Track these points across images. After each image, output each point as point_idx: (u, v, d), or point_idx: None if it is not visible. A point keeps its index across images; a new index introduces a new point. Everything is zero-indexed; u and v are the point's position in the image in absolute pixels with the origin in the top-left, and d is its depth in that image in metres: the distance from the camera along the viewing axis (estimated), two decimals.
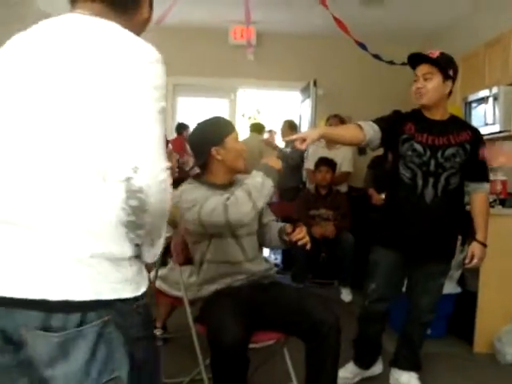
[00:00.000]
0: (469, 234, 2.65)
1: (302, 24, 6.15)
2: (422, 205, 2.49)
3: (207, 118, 2.35)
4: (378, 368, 2.92)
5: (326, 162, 4.81)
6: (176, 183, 3.28)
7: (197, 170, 2.39)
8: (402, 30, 6.06)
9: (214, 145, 2.22)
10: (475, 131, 2.58)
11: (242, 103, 7.81)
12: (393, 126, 2.55)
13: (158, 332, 3.22)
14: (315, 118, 6.02)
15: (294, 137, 2.29)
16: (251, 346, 2.05)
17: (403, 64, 5.66)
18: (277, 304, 2.20)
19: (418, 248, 2.55)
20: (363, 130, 2.47)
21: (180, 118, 6.85)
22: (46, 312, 1.00)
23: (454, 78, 2.48)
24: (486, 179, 2.57)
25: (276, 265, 5.13)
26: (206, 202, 2.09)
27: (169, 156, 3.12)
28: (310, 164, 5.25)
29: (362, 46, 5.17)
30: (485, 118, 4.16)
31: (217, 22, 6.17)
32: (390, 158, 2.71)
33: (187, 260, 2.43)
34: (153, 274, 2.93)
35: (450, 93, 2.52)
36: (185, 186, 2.26)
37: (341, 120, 5.49)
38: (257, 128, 7.15)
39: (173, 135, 6.52)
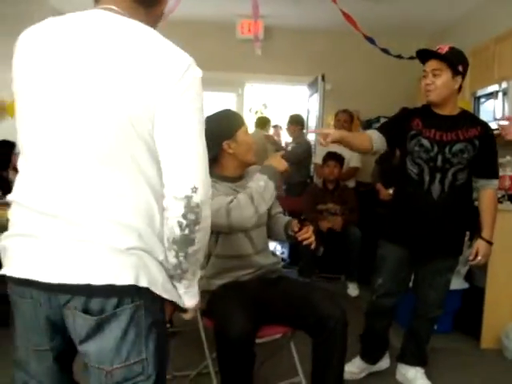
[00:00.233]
0: (476, 231, 2.64)
1: (310, 18, 6.13)
2: (428, 200, 2.48)
3: (217, 111, 2.34)
4: (385, 363, 2.92)
5: (333, 157, 4.80)
6: None
7: None
8: (410, 24, 6.02)
9: (225, 139, 2.22)
10: (485, 126, 2.55)
11: (250, 98, 7.79)
12: (399, 124, 2.56)
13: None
14: (323, 113, 6.01)
15: (319, 130, 2.33)
16: (258, 341, 2.05)
17: (411, 58, 5.65)
18: (284, 298, 2.20)
19: (424, 244, 2.54)
20: (372, 141, 2.52)
21: None
22: (87, 296, 1.11)
23: (463, 74, 2.46)
24: (495, 176, 2.55)
25: (283, 259, 5.14)
26: (211, 202, 2.07)
27: None
28: (318, 158, 5.24)
29: (371, 41, 5.14)
30: (494, 113, 4.14)
31: (224, 17, 6.15)
32: (397, 153, 2.71)
33: None
34: None
35: (460, 88, 2.49)
36: None
37: (349, 115, 5.47)
38: (261, 122, 7.14)
39: None
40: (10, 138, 4.04)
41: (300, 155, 5.58)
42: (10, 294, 1.25)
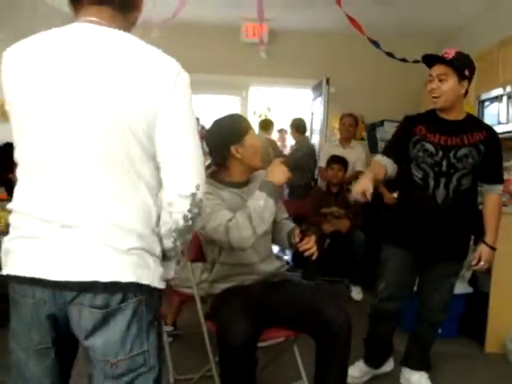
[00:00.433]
0: (480, 235, 2.63)
1: (314, 22, 6.13)
2: (433, 205, 2.46)
3: (224, 115, 2.33)
4: (388, 365, 2.91)
5: (337, 160, 4.80)
6: None
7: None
8: (415, 28, 6.01)
9: (233, 143, 2.20)
10: (490, 131, 2.52)
11: (254, 101, 7.79)
12: (403, 138, 2.55)
13: (168, 329, 3.24)
14: (327, 116, 6.00)
15: (354, 194, 2.36)
16: (261, 344, 2.05)
17: (416, 62, 5.64)
18: (287, 301, 2.19)
19: (429, 248, 2.53)
20: (386, 168, 2.54)
21: None
22: (94, 292, 1.19)
23: (470, 78, 2.43)
24: (499, 181, 2.54)
25: (287, 262, 5.14)
26: (212, 217, 2.07)
27: None
28: (322, 162, 5.24)
29: (376, 44, 5.14)
30: (498, 117, 4.13)
31: (229, 20, 6.16)
32: None
33: (199, 257, 2.44)
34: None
35: (466, 92, 2.46)
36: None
37: (354, 119, 5.47)
38: (265, 125, 7.12)
39: None
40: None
41: (299, 159, 5.58)
42: (12, 294, 1.28)
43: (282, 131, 8.24)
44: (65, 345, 1.31)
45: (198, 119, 6.36)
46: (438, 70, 2.42)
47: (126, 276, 1.20)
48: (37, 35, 1.24)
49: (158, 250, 1.30)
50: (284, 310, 2.18)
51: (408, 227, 2.56)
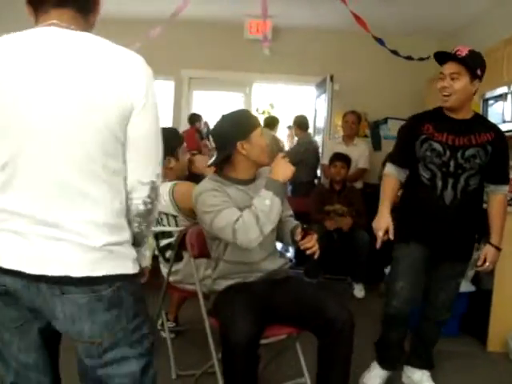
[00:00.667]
0: (484, 233, 2.62)
1: (318, 18, 6.11)
2: (441, 206, 2.43)
3: (232, 111, 2.32)
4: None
5: (340, 158, 4.79)
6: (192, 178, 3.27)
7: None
8: (420, 25, 5.99)
9: (240, 139, 2.18)
10: (497, 131, 2.49)
11: (257, 97, 7.78)
12: (410, 135, 2.51)
13: (170, 325, 3.24)
14: (331, 114, 6.00)
15: (377, 233, 2.43)
16: (263, 341, 2.05)
17: (421, 59, 5.65)
18: (291, 299, 2.19)
19: (437, 248, 2.50)
20: (398, 179, 2.55)
21: (195, 112, 6.85)
22: (67, 284, 1.27)
23: (481, 77, 2.39)
24: (505, 181, 2.52)
25: (290, 260, 5.14)
26: (219, 215, 2.06)
27: (183, 154, 3.08)
28: (325, 159, 5.24)
29: (380, 42, 5.12)
30: (503, 115, 4.12)
31: (232, 16, 6.15)
32: None
33: (203, 253, 2.43)
34: (165, 270, 2.94)
35: (475, 91, 2.43)
36: (205, 185, 2.21)
37: (357, 116, 5.46)
38: (270, 122, 7.10)
39: (186, 126, 6.51)
40: None
41: (301, 155, 5.56)
42: None
43: (291, 128, 8.23)
44: (48, 327, 1.39)
45: (200, 116, 6.36)
46: (450, 68, 2.36)
47: (98, 271, 1.28)
48: (4, 37, 1.27)
49: (129, 236, 1.39)
50: (287, 307, 2.17)
51: (418, 224, 2.52)
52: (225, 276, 2.25)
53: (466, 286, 3.42)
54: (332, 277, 4.85)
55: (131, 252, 1.39)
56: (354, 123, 5.39)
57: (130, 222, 1.40)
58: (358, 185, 5.22)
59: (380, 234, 2.43)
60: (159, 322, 3.11)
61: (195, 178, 3.13)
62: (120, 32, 6.08)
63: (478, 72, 2.36)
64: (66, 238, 1.25)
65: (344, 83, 6.29)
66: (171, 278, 2.86)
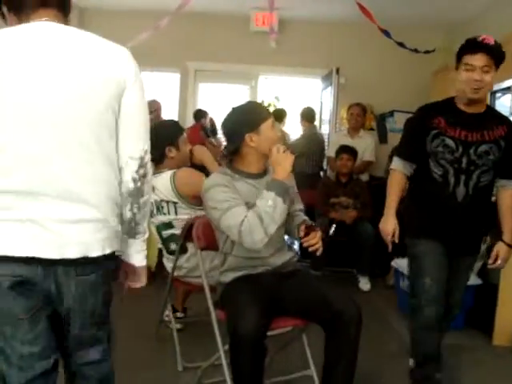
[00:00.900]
0: (491, 226, 2.59)
1: (324, 11, 6.08)
2: (453, 203, 2.37)
3: (243, 102, 2.31)
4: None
5: (347, 150, 4.79)
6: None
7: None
8: (427, 17, 5.94)
9: (248, 131, 2.16)
10: (510, 124, 2.41)
11: (263, 90, 7.75)
12: (420, 129, 2.42)
13: (179, 315, 3.26)
14: (337, 106, 5.98)
15: (384, 236, 2.44)
16: (270, 333, 2.05)
17: (427, 52, 5.62)
18: (298, 291, 2.20)
19: (449, 245, 2.44)
20: (404, 174, 2.50)
21: (201, 104, 6.83)
22: (82, 264, 1.39)
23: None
24: None
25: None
26: (227, 213, 2.06)
27: (184, 144, 3.09)
28: (331, 151, 5.23)
29: (386, 34, 5.10)
30: (510, 108, 4.10)
31: (239, 9, 6.13)
32: None
33: (210, 246, 2.43)
34: (170, 264, 2.95)
35: None
36: (215, 180, 2.19)
37: (363, 108, 5.45)
38: (277, 115, 7.06)
39: (191, 119, 6.49)
40: None
41: (304, 146, 5.56)
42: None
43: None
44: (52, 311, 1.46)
45: (206, 113, 6.34)
46: (481, 60, 2.25)
47: (108, 249, 1.44)
48: (3, 30, 1.36)
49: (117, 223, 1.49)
50: (294, 300, 2.18)
51: (432, 222, 2.44)
52: (233, 269, 2.26)
53: (472, 280, 3.40)
54: (338, 269, 4.85)
55: (119, 232, 1.51)
56: (359, 115, 5.38)
57: (124, 206, 1.50)
58: (364, 177, 5.22)
59: (389, 238, 2.42)
60: (165, 314, 3.12)
61: (196, 169, 3.15)
62: (126, 24, 6.10)
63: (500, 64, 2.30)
64: (84, 216, 1.37)
65: (350, 76, 6.27)
66: (175, 273, 2.87)
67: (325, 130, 6.40)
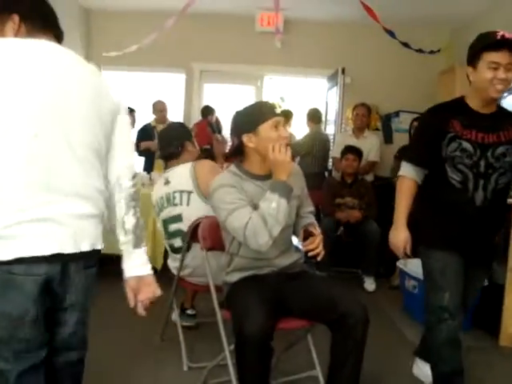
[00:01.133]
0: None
1: (330, 11, 6.08)
2: (472, 208, 2.27)
3: (251, 103, 2.32)
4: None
5: (352, 150, 4.79)
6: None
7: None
8: (432, 17, 5.92)
9: (245, 132, 2.16)
10: None
11: (268, 90, 7.75)
12: (434, 133, 2.29)
13: (190, 312, 3.27)
14: (342, 107, 5.98)
15: (396, 250, 2.37)
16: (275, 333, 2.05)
17: (432, 52, 5.61)
18: (304, 292, 2.19)
19: (469, 254, 2.35)
20: (415, 181, 2.36)
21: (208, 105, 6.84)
22: (88, 257, 1.50)
23: None
24: None
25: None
26: (233, 214, 2.07)
27: (193, 143, 3.20)
28: (336, 152, 5.23)
29: (391, 34, 5.10)
30: None
31: (244, 9, 6.14)
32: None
33: (216, 246, 2.44)
34: (174, 264, 2.95)
35: None
36: (223, 179, 2.20)
37: (368, 108, 5.44)
38: (283, 115, 7.05)
39: (196, 120, 6.50)
40: None
41: (308, 146, 5.56)
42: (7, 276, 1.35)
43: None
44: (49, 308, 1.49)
45: (213, 110, 6.35)
46: (505, 57, 2.15)
47: (100, 244, 1.54)
48: (10, 41, 1.43)
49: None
50: (300, 301, 2.18)
51: (452, 231, 2.33)
52: (239, 270, 2.26)
53: None
54: (343, 270, 4.85)
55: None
56: (365, 115, 5.38)
57: (125, 215, 1.58)
58: (369, 177, 5.22)
59: (400, 251, 2.35)
60: (173, 313, 3.13)
61: None
62: (131, 25, 6.13)
63: None
64: (90, 212, 1.46)
65: (355, 76, 6.27)
66: (181, 273, 2.87)
67: (330, 130, 6.40)
